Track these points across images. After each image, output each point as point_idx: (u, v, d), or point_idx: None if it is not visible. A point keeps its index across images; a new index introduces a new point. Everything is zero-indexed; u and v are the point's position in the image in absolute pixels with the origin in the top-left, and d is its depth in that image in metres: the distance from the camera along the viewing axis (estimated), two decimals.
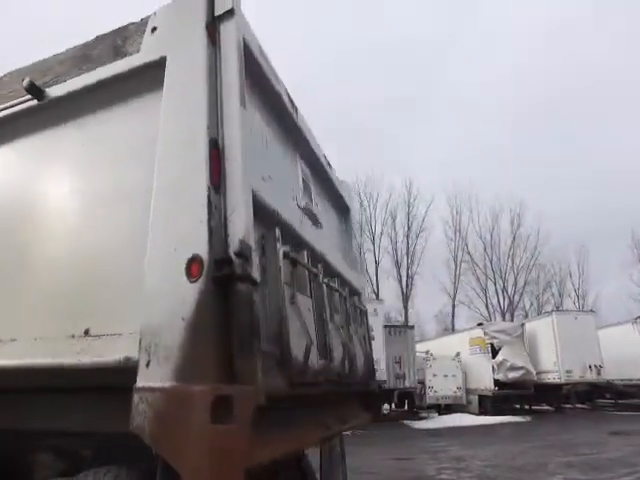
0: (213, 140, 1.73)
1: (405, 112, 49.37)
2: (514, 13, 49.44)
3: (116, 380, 1.56)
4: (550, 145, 46.23)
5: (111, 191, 1.99)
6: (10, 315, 2.01)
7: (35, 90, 2.24)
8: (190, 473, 1.31)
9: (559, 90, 46.93)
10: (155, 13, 2.11)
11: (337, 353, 2.38)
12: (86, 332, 1.79)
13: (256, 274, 1.59)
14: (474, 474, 6.80)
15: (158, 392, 1.42)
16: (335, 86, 47.54)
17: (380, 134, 46.74)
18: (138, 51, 2.08)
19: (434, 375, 16.57)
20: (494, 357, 16.38)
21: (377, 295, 36.02)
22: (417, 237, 36.91)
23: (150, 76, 1.97)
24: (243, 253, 1.56)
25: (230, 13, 1.96)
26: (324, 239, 2.90)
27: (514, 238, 37.47)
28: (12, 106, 2.35)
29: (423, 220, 36.74)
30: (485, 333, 16.90)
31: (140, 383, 1.47)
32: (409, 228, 37.02)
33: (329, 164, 3.45)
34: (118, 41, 2.21)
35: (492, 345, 16.70)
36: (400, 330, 17.32)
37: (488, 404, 16.27)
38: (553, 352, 16.21)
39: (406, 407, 17.65)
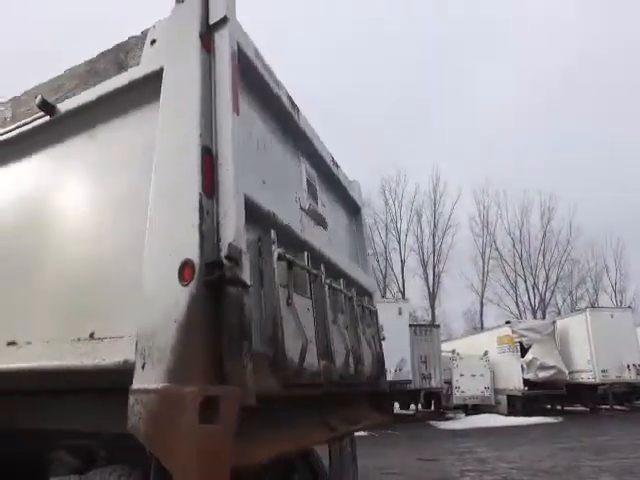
0: (205, 147, 1.77)
1: (430, 108, 48.57)
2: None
3: (118, 382, 1.62)
4: (582, 135, 44.38)
5: (116, 199, 2.07)
6: (25, 319, 2.12)
7: (47, 106, 2.36)
8: (180, 472, 1.35)
9: (591, 82, 45.02)
10: (154, 26, 2.18)
11: (340, 354, 2.39)
12: (91, 335, 1.87)
13: (247, 277, 1.62)
14: (498, 477, 6.62)
15: (152, 393, 1.47)
16: (357, 84, 47.35)
17: (404, 132, 46.19)
18: (138, 64, 2.15)
19: (461, 375, 16.23)
20: (523, 356, 15.88)
21: (403, 294, 35.62)
22: (443, 235, 36.25)
23: (150, 87, 2.03)
24: (233, 256, 1.59)
25: (223, 21, 2.00)
26: (330, 240, 2.91)
27: (545, 233, 36.23)
28: (27, 123, 2.48)
29: (449, 217, 36.06)
30: (513, 331, 16.40)
31: (136, 385, 1.52)
32: (435, 226, 36.42)
33: (336, 164, 3.45)
34: (121, 55, 2.29)
35: (521, 344, 16.19)
36: (426, 329, 17.05)
37: (517, 404, 15.80)
38: (587, 351, 15.56)
39: (432, 408, 17.36)
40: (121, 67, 2.24)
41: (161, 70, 2.01)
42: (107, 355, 1.72)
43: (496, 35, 50.37)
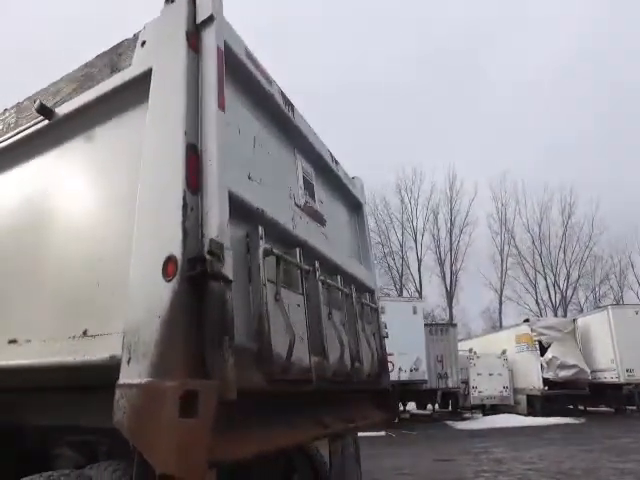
0: (191, 145, 1.79)
1: (446, 105, 47.94)
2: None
3: (108, 378, 1.65)
4: (602, 127, 43.07)
5: (111, 198, 2.11)
6: (25, 318, 2.18)
7: (45, 111, 2.42)
8: (160, 465, 1.37)
9: (617, 72, 43.62)
10: (145, 27, 2.21)
11: (334, 350, 2.37)
12: (84, 333, 1.91)
13: (229, 272, 1.62)
14: (514, 478, 6.48)
15: (135, 388, 1.49)
16: (370, 84, 47.13)
17: (420, 130, 45.73)
18: (130, 65, 2.19)
19: (478, 374, 15.95)
20: (543, 355, 15.51)
21: (420, 293, 35.30)
22: (461, 233, 35.77)
23: (140, 88, 2.06)
24: (215, 252, 1.60)
25: (210, 20, 2.02)
26: (327, 236, 2.89)
27: (565, 229, 35.32)
28: (28, 128, 2.55)
29: (466, 215, 35.55)
30: (532, 330, 16.02)
31: (121, 380, 1.54)
32: (452, 224, 35.96)
33: (335, 160, 3.43)
34: (114, 58, 2.33)
35: (540, 342, 15.81)
36: (442, 328, 16.84)
37: (537, 404, 15.43)
38: (610, 349, 15.08)
39: (450, 408, 17.14)
40: (114, 69, 2.28)
41: (150, 71, 2.03)
42: (97, 351, 1.76)
43: (508, 28, 49.35)
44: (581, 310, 31.22)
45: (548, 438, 10.70)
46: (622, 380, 14.78)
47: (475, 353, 16.78)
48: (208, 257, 1.59)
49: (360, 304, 3.05)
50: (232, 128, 2.13)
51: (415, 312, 15.03)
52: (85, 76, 2.44)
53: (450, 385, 15.42)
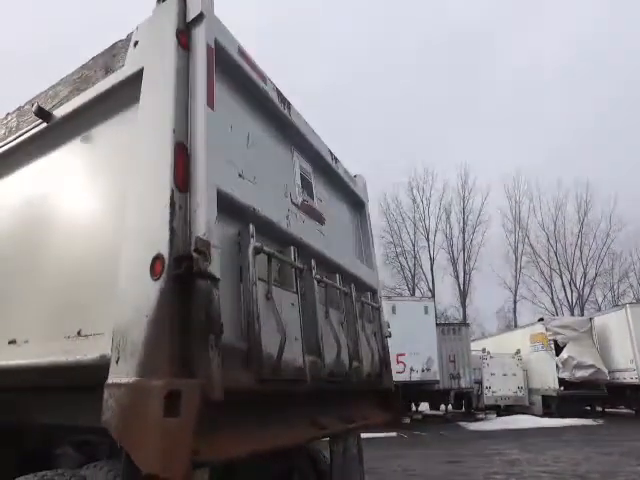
0: (179, 143, 1.78)
1: (458, 103, 47.41)
2: None
3: (100, 377, 1.65)
4: (618, 120, 41.99)
5: (106, 199, 2.12)
6: (23, 319, 2.20)
7: (43, 113, 2.45)
8: (145, 465, 1.36)
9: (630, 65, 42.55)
10: (137, 28, 2.22)
11: (331, 350, 2.34)
12: (78, 333, 1.92)
13: (216, 271, 1.61)
14: None
15: (123, 388, 1.48)
16: (383, 81, 46.87)
17: (431, 128, 45.32)
18: (123, 66, 2.19)
19: (492, 374, 15.72)
20: (558, 354, 15.19)
21: (433, 293, 34.94)
22: (474, 231, 35.32)
23: (133, 88, 2.06)
24: (201, 250, 1.58)
25: (200, 18, 2.01)
26: (326, 235, 2.86)
27: (582, 226, 34.54)
28: (27, 131, 2.58)
29: (479, 213, 35.08)
30: (547, 329, 15.70)
31: (110, 379, 1.54)
32: (465, 223, 35.55)
33: (335, 159, 3.40)
34: (109, 59, 2.34)
35: (555, 342, 15.49)
36: (454, 328, 16.63)
37: (553, 405, 15.12)
38: (629, 349, 14.67)
39: (463, 408, 16.92)
40: (109, 70, 2.29)
41: (142, 70, 2.04)
42: (89, 351, 1.76)
43: (521, 22, 48.51)
44: (599, 309, 30.49)
45: (564, 440, 10.47)
46: None
47: (488, 353, 16.52)
48: (195, 255, 1.58)
49: (360, 303, 3.01)
50: (224, 126, 2.12)
51: (426, 312, 14.88)
52: (81, 78, 2.46)
53: (463, 385, 15.21)
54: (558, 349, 15.45)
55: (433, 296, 34.59)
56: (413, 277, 36.30)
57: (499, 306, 35.50)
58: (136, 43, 2.16)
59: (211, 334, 1.52)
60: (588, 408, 15.56)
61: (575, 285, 34.32)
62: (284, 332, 1.85)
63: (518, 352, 16.38)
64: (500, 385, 15.56)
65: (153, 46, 2.04)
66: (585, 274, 34.20)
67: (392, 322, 13.59)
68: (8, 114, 2.91)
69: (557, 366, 15.05)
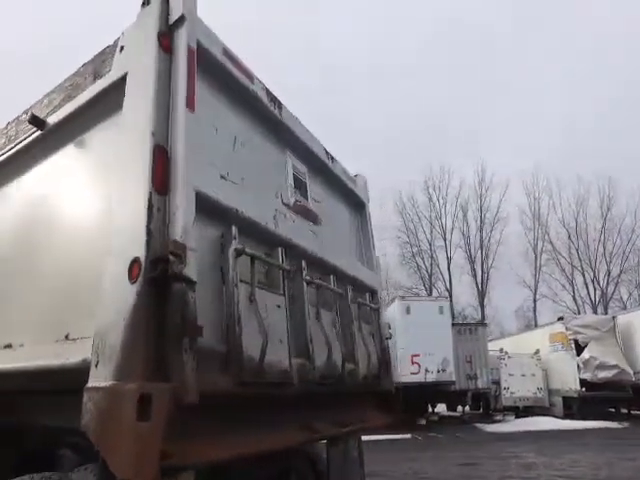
0: (159, 146, 1.78)
1: (474, 99, 46.66)
2: None
3: (83, 381, 1.66)
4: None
5: (96, 203, 2.13)
6: (18, 323, 2.24)
7: (37, 121, 2.49)
8: (118, 469, 1.36)
9: None
10: (123, 33, 2.23)
11: (321, 352, 2.31)
12: (67, 336, 1.94)
13: (192, 273, 1.60)
14: None
15: (101, 391, 1.49)
16: (400, 77, 46.56)
17: (447, 125, 44.74)
18: (110, 71, 2.21)
19: (510, 375, 15.37)
20: (579, 354, 14.75)
21: (450, 293, 34.49)
22: (491, 229, 34.74)
23: (119, 93, 2.07)
24: (176, 253, 1.57)
25: (181, 20, 2.01)
26: (321, 236, 2.83)
27: (605, 222, 33.51)
28: (24, 139, 2.63)
29: (497, 211, 34.48)
30: (567, 328, 15.26)
31: (89, 383, 1.55)
32: (482, 221, 34.99)
33: (332, 158, 3.36)
34: (98, 65, 2.37)
35: (576, 341, 15.05)
36: (471, 328, 16.36)
37: (574, 407, 14.68)
38: None
39: (481, 409, 16.61)
40: (97, 76, 2.32)
41: (126, 75, 2.05)
42: (74, 355, 1.77)
43: (539, 18, 47.42)
44: (624, 307, 29.51)
45: (585, 443, 10.15)
46: None
47: (506, 353, 16.17)
48: (171, 258, 1.57)
49: (357, 304, 2.96)
50: (208, 127, 2.11)
51: (442, 312, 14.68)
52: (73, 85, 2.50)
53: (480, 386, 14.94)
54: (579, 349, 15.00)
55: (450, 296, 34.13)
56: (430, 277, 35.93)
57: (518, 305, 34.80)
58: (122, 48, 2.18)
59: (185, 337, 1.51)
60: (612, 410, 15.05)
61: (598, 283, 33.33)
62: (266, 334, 1.83)
63: (537, 352, 15.98)
64: (519, 386, 15.20)
65: (136, 50, 2.05)
66: (609, 271, 33.17)
67: (406, 323, 13.46)
68: (8, 123, 2.97)
69: (578, 366, 14.61)
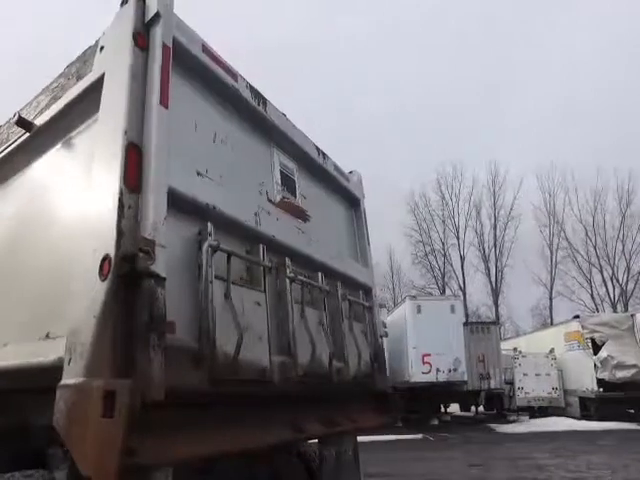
0: (132, 144, 1.77)
1: (488, 95, 45.97)
2: None
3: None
4: None
5: (76, 203, 2.14)
6: (4, 323, 2.26)
7: (24, 123, 2.52)
8: (83, 466, 1.35)
9: None
10: (104, 33, 2.24)
11: (304, 350, 2.27)
12: (47, 335, 1.95)
13: (161, 270, 1.59)
14: None
15: (71, 389, 1.49)
16: (414, 79, 46.24)
17: (459, 122, 44.17)
18: (91, 71, 2.22)
19: (524, 374, 15.04)
20: (596, 353, 14.36)
21: (464, 292, 34.09)
22: (505, 227, 34.20)
23: (98, 93, 2.08)
24: (145, 249, 1.57)
25: (157, 18, 2.00)
26: (311, 232, 2.80)
27: (624, 218, 32.57)
28: (13, 142, 2.67)
29: (511, 208, 33.88)
30: (583, 327, 14.87)
31: (62, 381, 1.55)
32: (496, 218, 34.48)
33: (323, 155, 3.33)
34: (80, 65, 2.38)
35: (593, 340, 14.66)
36: (483, 327, 16.08)
37: (592, 407, 14.29)
38: None
39: (495, 410, 16.32)
40: (79, 77, 2.33)
41: (104, 75, 2.05)
42: (51, 353, 1.78)
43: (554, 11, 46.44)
44: None
45: (601, 444, 9.87)
46: None
47: (520, 352, 15.85)
48: (141, 255, 1.56)
49: (347, 302, 2.92)
50: (185, 125, 2.10)
51: (453, 311, 14.47)
52: (59, 87, 2.52)
53: (493, 386, 14.67)
54: (596, 348, 14.61)
55: (464, 295, 33.75)
56: (443, 276, 35.55)
57: (534, 304, 34.13)
58: (102, 48, 2.18)
59: (153, 333, 1.50)
60: (631, 411, 14.60)
61: (617, 280, 32.44)
62: (241, 331, 1.80)
63: (552, 351, 15.62)
64: (533, 386, 14.87)
65: (113, 50, 2.06)
66: (628, 268, 32.24)
67: (417, 322, 13.30)
68: (0, 127, 3.02)
69: (595, 366, 14.22)
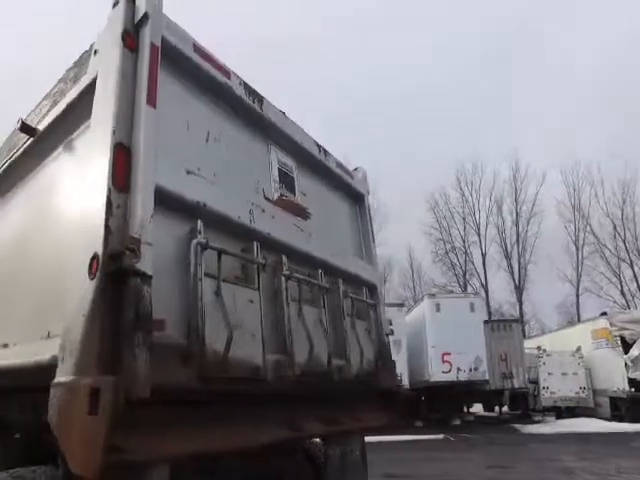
0: (120, 144, 1.79)
1: (508, 88, 44.86)
2: None
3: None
4: None
5: (74, 204, 2.18)
6: (12, 324, 2.32)
7: (28, 129, 2.58)
8: (70, 461, 1.37)
9: None
10: (98, 36, 2.27)
11: (302, 348, 2.24)
12: (48, 334, 1.99)
13: (147, 268, 1.59)
14: None
15: (63, 386, 1.51)
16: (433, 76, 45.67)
17: (479, 117, 43.30)
18: (86, 74, 2.26)
19: (549, 373, 14.58)
20: (627, 352, 13.79)
21: (486, 289, 33.43)
22: (528, 223, 33.35)
23: (92, 95, 2.11)
24: (131, 248, 1.57)
25: (145, 18, 2.02)
26: (308, 230, 2.77)
27: None
28: (20, 148, 2.74)
29: (534, 204, 33.03)
30: (611, 324, 14.31)
31: (56, 379, 1.57)
32: (518, 214, 33.66)
33: (324, 151, 3.30)
34: (77, 69, 2.43)
35: (622, 338, 14.09)
36: (505, 325, 15.73)
37: (623, 408, 13.73)
38: None
39: (519, 410, 15.90)
40: (76, 81, 2.38)
41: (97, 77, 2.08)
42: (48, 352, 1.81)
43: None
44: None
45: (633, 447, 9.46)
46: None
47: (544, 351, 15.39)
48: (127, 253, 1.57)
49: (350, 299, 2.88)
50: (175, 124, 2.11)
51: (473, 309, 14.21)
52: (59, 92, 2.57)
53: (516, 385, 14.32)
54: (626, 346, 14.03)
55: (486, 292, 33.08)
56: (464, 274, 34.95)
57: (560, 301, 33.11)
58: (96, 52, 2.22)
59: (139, 331, 1.50)
60: None
61: None
62: (231, 329, 1.79)
63: (579, 349, 15.09)
64: (559, 385, 14.40)
65: (105, 52, 2.08)
66: None
67: (436, 320, 13.17)
68: (12, 132, 3.11)
69: (626, 365, 13.67)
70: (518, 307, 32.43)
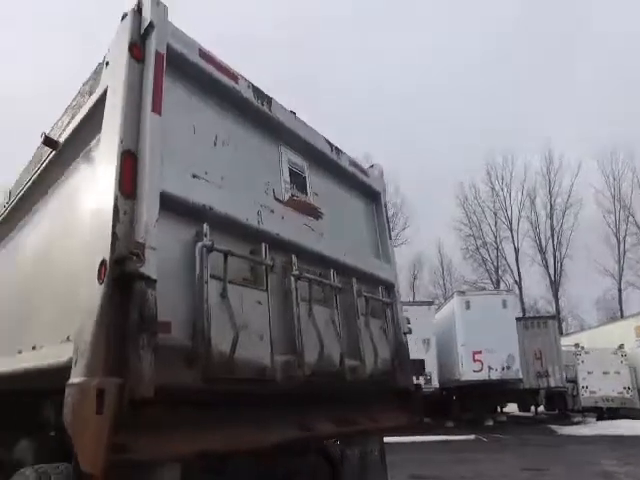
0: (127, 151, 1.84)
1: (538, 76, 43.15)
2: None
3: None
4: None
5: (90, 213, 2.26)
6: (31, 329, 2.44)
7: (51, 142, 2.70)
8: (81, 459, 1.43)
9: None
10: (109, 49, 2.35)
11: (312, 349, 2.24)
12: (68, 337, 2.08)
13: (151, 272, 1.63)
14: None
15: (75, 387, 1.58)
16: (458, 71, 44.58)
17: (510, 109, 41.88)
18: (99, 86, 2.34)
19: (589, 372, 13.92)
20: None
21: (520, 286, 32.37)
22: (563, 215, 31.97)
23: (103, 106, 2.19)
24: (135, 252, 1.62)
25: (151, 27, 2.07)
26: (320, 230, 2.76)
27: None
28: (44, 160, 2.88)
29: (569, 195, 31.64)
30: None
31: (70, 380, 1.64)
32: (552, 206, 32.37)
33: (337, 150, 3.28)
34: (93, 83, 2.52)
35: None
36: (539, 322, 15.16)
37: None
38: None
39: (557, 410, 15.28)
40: (91, 93, 2.47)
41: (107, 88, 2.15)
42: (66, 354, 1.89)
43: None
44: None
45: None
46: None
47: (582, 348, 14.71)
48: (132, 258, 1.61)
49: (363, 298, 2.85)
50: (181, 129, 2.15)
51: (505, 306, 13.76)
52: (77, 104, 2.68)
53: (552, 384, 13.76)
54: None
55: (520, 289, 31.98)
56: (497, 270, 33.94)
57: (599, 295, 31.58)
58: (107, 64, 2.29)
59: (144, 333, 1.54)
60: None
61: None
62: (237, 330, 1.81)
63: (621, 347, 14.33)
64: (600, 385, 13.73)
65: (114, 63, 2.15)
66: None
67: (466, 318, 12.81)
68: (38, 147, 3.28)
69: None
70: (554, 303, 31.18)
